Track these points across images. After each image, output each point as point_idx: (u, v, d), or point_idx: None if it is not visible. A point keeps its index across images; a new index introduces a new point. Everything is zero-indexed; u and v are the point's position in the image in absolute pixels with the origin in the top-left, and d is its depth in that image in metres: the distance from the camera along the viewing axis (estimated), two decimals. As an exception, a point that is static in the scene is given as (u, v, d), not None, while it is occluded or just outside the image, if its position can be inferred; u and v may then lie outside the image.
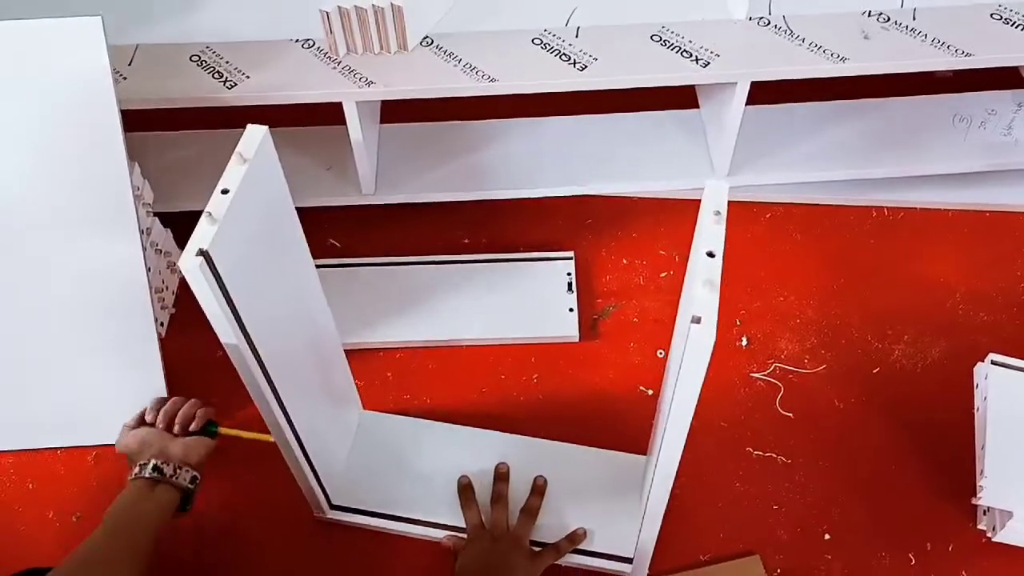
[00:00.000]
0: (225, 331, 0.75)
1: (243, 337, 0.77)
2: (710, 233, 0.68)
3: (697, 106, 1.42)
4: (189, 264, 0.68)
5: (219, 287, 0.72)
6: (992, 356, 1.13)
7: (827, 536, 1.08)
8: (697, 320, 0.64)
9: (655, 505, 0.88)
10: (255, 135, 0.77)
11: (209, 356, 1.23)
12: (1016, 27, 1.18)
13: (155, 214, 1.27)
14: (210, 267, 0.70)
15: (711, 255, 0.67)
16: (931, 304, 1.29)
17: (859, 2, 1.22)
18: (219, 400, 1.20)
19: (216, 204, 0.72)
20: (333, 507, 1.07)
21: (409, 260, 1.33)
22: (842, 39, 1.17)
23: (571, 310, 1.27)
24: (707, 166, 1.35)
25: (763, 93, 1.25)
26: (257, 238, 0.78)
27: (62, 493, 1.13)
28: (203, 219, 0.71)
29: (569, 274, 1.30)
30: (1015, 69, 1.42)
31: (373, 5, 1.11)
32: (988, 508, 1.06)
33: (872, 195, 1.39)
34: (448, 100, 1.17)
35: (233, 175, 0.74)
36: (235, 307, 0.75)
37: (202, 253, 0.69)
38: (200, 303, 0.73)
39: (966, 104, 1.40)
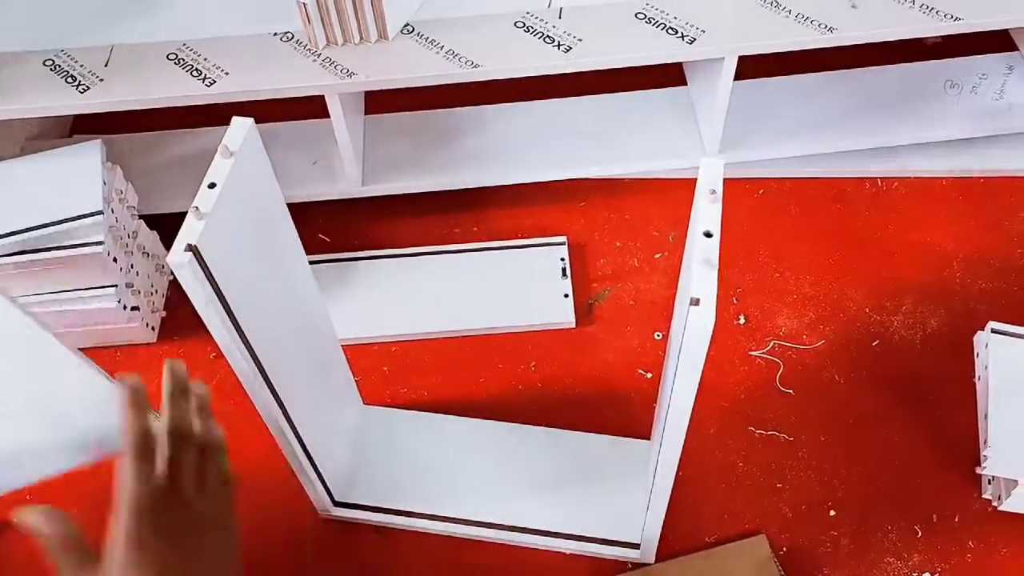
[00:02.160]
0: (218, 329, 0.74)
1: (237, 335, 0.76)
2: (706, 212, 0.66)
3: (685, 83, 1.40)
4: (178, 260, 0.67)
5: (210, 283, 0.70)
6: (992, 324, 1.12)
7: (832, 512, 1.08)
8: (696, 302, 0.63)
9: (660, 490, 0.87)
10: (240, 127, 0.76)
11: (202, 358, 1.23)
12: (1004, -11, 1.16)
13: (141, 217, 1.25)
14: (200, 263, 0.69)
15: (708, 235, 0.65)
16: (928, 273, 1.28)
17: (845, -30, 1.20)
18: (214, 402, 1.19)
19: (203, 198, 0.70)
20: (337, 504, 1.06)
21: (400, 252, 1.32)
22: (829, 9, 1.15)
23: (566, 296, 1.25)
24: (697, 144, 1.33)
25: (751, 67, 1.24)
26: (247, 233, 0.77)
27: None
28: (190, 214, 0.70)
29: (562, 259, 1.29)
30: (1004, 32, 1.41)
31: (351, -6, 1.09)
32: (993, 477, 1.06)
33: (865, 165, 1.38)
34: (433, 88, 1.15)
35: (220, 169, 0.72)
36: (228, 304, 0.73)
37: (191, 248, 0.67)
38: (192, 301, 0.72)
39: (957, 69, 1.39)
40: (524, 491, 1.06)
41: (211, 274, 0.70)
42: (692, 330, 0.64)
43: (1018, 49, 1.40)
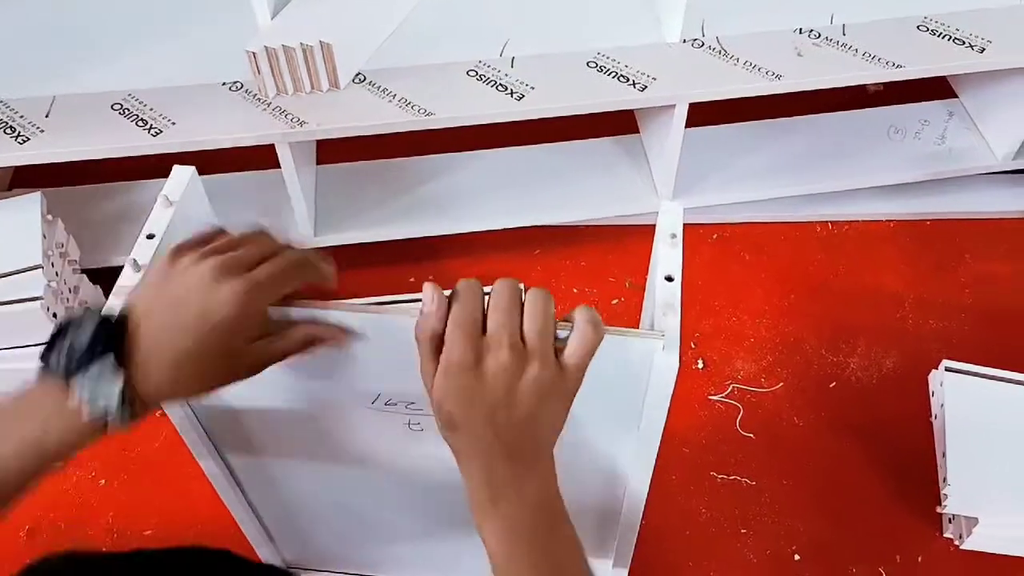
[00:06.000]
0: None
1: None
2: (666, 257, 0.66)
3: (637, 131, 1.41)
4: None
5: None
6: (946, 363, 1.13)
7: (797, 556, 1.06)
8: (663, 345, 0.61)
9: (625, 537, 0.85)
10: (181, 176, 0.74)
11: (148, 418, 1.18)
12: (942, 37, 1.19)
13: (83, 271, 1.21)
14: None
15: (669, 279, 0.64)
16: (881, 315, 1.29)
17: (790, 20, 1.23)
18: (167, 479, 1.14)
19: (141, 251, 0.68)
20: (290, 566, 1.02)
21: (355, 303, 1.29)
22: (776, 57, 1.18)
23: (524, 343, 1.24)
24: (651, 190, 1.34)
25: (702, 114, 1.25)
26: None
27: (-7, 574, 1.06)
28: (127, 267, 0.67)
29: (519, 307, 1.27)
30: (944, 79, 1.45)
31: (301, 44, 1.08)
32: (954, 516, 1.06)
33: (815, 210, 1.40)
34: (386, 137, 1.14)
35: (159, 219, 0.70)
36: None
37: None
38: None
39: (900, 116, 1.42)
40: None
41: None
42: (657, 374, 0.63)
43: (957, 96, 1.44)
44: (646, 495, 0.77)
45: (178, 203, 0.71)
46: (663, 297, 0.63)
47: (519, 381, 0.54)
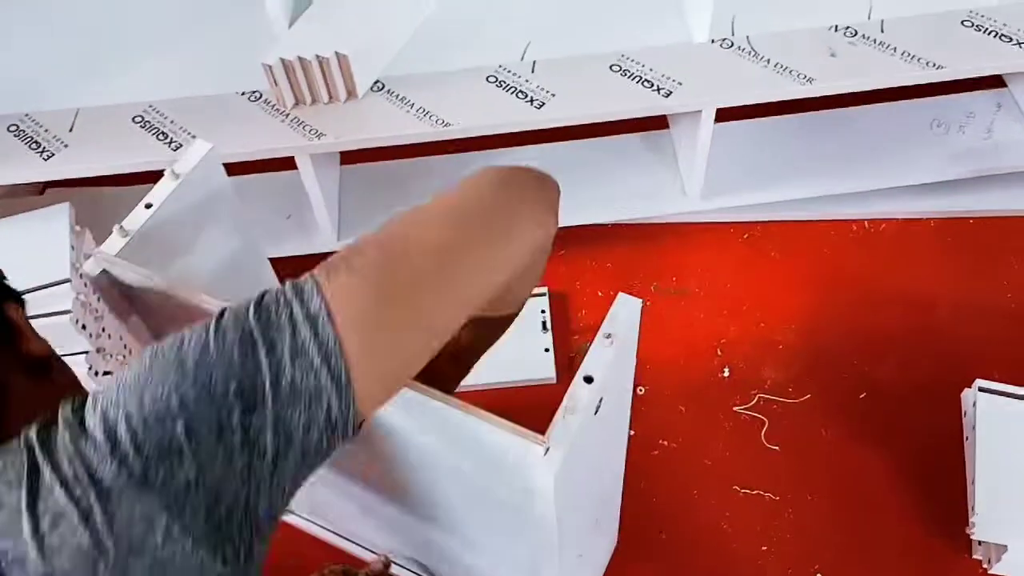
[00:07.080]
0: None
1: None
2: (596, 355, 0.60)
3: (667, 126, 1.37)
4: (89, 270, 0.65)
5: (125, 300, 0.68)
6: (979, 382, 1.09)
7: (819, 575, 1.05)
8: (546, 449, 0.55)
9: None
10: (197, 151, 0.72)
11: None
12: (988, 34, 1.13)
13: (112, 278, 1.23)
14: (113, 281, 0.66)
15: (588, 380, 0.59)
16: (916, 320, 1.25)
17: (826, 16, 1.17)
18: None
19: (134, 218, 0.68)
20: None
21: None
22: (808, 58, 1.12)
23: (547, 350, 1.23)
24: (680, 189, 1.30)
25: (735, 109, 1.21)
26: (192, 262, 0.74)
27: None
28: (115, 232, 0.67)
29: (543, 312, 1.26)
30: (992, 68, 1.37)
31: (317, 55, 1.06)
32: (983, 540, 1.03)
33: (851, 208, 1.35)
34: (406, 141, 1.13)
35: (161, 190, 0.70)
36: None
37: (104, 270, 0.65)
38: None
39: (943, 108, 1.36)
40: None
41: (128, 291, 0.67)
42: (537, 476, 0.56)
43: (1006, 86, 1.37)
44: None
45: (185, 176, 0.70)
46: (572, 398, 0.57)
47: None
